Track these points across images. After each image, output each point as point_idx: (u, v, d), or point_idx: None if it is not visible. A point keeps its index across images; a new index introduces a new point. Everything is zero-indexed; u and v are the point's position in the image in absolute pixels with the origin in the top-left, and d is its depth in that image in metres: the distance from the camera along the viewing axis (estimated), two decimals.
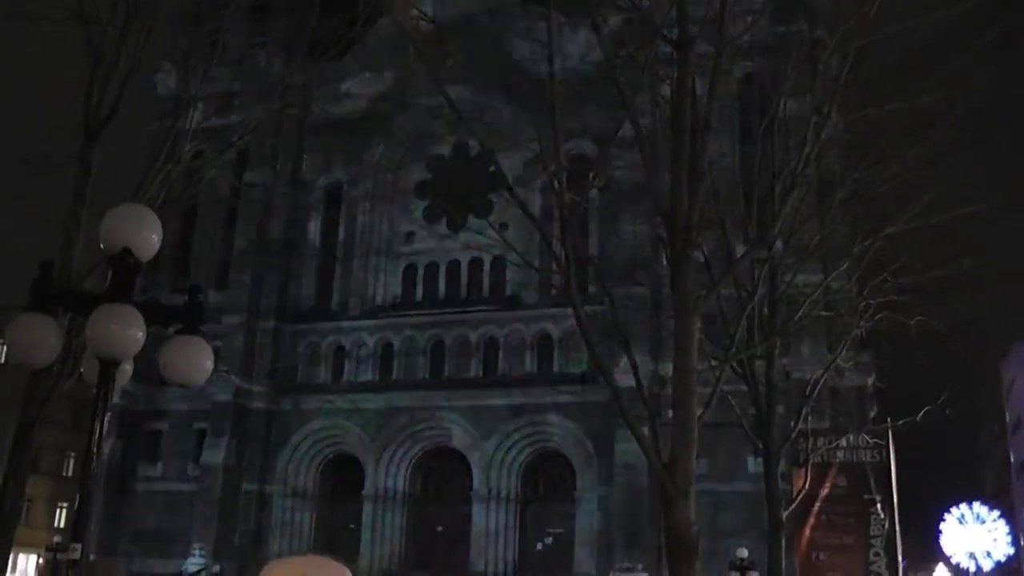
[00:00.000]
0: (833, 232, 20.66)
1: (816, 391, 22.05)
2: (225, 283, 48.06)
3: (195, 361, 7.65)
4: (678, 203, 11.84)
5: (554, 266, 38.68)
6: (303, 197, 49.27)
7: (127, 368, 7.90)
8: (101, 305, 7.07)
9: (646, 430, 11.97)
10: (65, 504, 58.72)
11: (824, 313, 22.09)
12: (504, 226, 36.85)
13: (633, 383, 13.20)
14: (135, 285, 7.37)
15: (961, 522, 62.36)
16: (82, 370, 7.82)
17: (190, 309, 7.83)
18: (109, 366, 7.24)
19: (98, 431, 7.26)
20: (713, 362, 14.94)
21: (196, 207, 47.97)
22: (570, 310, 34.48)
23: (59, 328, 7.28)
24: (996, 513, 62.64)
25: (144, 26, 14.31)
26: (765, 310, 19.97)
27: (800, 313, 20.12)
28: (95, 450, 7.32)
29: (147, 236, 7.56)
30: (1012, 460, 74.74)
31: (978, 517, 62.38)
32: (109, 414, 7.30)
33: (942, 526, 63.47)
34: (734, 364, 17.49)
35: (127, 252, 7.34)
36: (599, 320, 14.81)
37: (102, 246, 7.47)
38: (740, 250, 17.74)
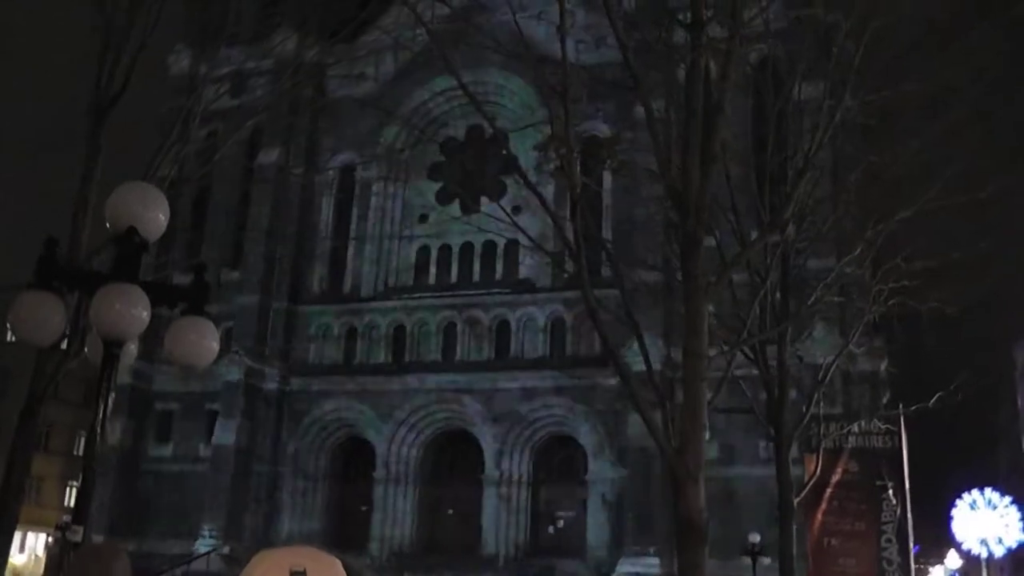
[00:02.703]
0: (847, 216, 20.49)
1: (828, 376, 21.91)
2: (238, 263, 48.13)
3: (201, 342, 7.58)
4: (689, 186, 11.74)
5: (566, 250, 38.62)
6: (316, 177, 49.22)
7: (132, 348, 7.83)
8: (105, 284, 7.01)
9: (657, 415, 11.90)
10: (75, 483, 58.89)
11: (837, 299, 21.89)
12: (517, 209, 36.76)
13: (644, 367, 13.12)
14: (141, 264, 7.31)
15: (973, 508, 62.04)
16: (86, 350, 7.76)
17: (196, 289, 7.76)
18: (113, 346, 7.18)
19: (102, 412, 7.22)
20: (724, 347, 14.82)
21: (210, 186, 48.05)
22: (582, 293, 34.47)
23: (63, 306, 7.21)
24: (1008, 499, 62.31)
25: (155, 2, 14.23)
26: (777, 295, 19.84)
27: (813, 298, 19.97)
28: (99, 431, 7.30)
29: (153, 215, 7.47)
30: None
31: (990, 503, 62.06)
32: (113, 395, 7.23)
33: (954, 512, 63.20)
34: (745, 348, 17.37)
35: (133, 231, 7.28)
36: (611, 304, 14.70)
37: (107, 225, 7.41)
38: (753, 235, 17.63)
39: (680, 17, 13.57)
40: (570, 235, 12.26)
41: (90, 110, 13.84)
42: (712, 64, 13.05)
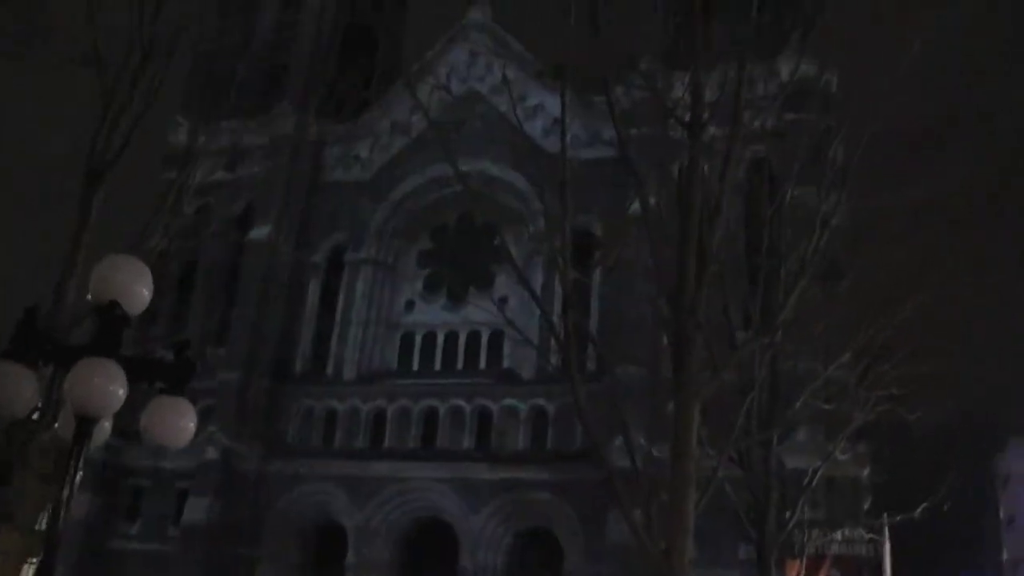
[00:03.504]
0: (836, 320, 20.47)
1: (815, 482, 21.70)
2: (224, 338, 47.77)
3: (178, 423, 7.40)
4: (684, 285, 11.67)
5: (553, 343, 38.38)
6: (306, 257, 49.20)
7: (106, 426, 7.62)
8: (83, 358, 6.83)
9: (639, 514, 11.66)
10: (34, 560, 57.40)
11: (825, 406, 21.70)
12: (504, 299, 36.73)
13: (628, 463, 12.90)
14: (121, 339, 7.15)
15: None
16: (58, 425, 7.53)
17: (178, 368, 7.59)
18: (86, 422, 6.99)
19: (69, 490, 7.01)
20: (710, 451, 14.63)
21: (197, 260, 47.99)
22: (566, 386, 34.10)
23: (36, 379, 7.03)
24: None
25: (157, 71, 14.25)
26: (765, 397, 19.70)
27: (800, 403, 19.83)
28: (64, 509, 7.07)
29: (138, 290, 7.34)
30: (1006, 556, 74.11)
31: None
32: (81, 473, 7.01)
33: None
34: (731, 451, 17.17)
35: (115, 304, 7.12)
36: (596, 399, 14.52)
37: (90, 297, 7.26)
38: (741, 334, 17.53)
39: (678, 115, 13.62)
40: (559, 329, 12.13)
41: (85, 174, 13.77)
42: (707, 165, 13.08)
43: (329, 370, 47.60)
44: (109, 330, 7.07)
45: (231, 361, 46.27)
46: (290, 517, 45.01)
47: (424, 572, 43.86)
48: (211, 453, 43.79)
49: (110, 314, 7.08)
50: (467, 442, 43.74)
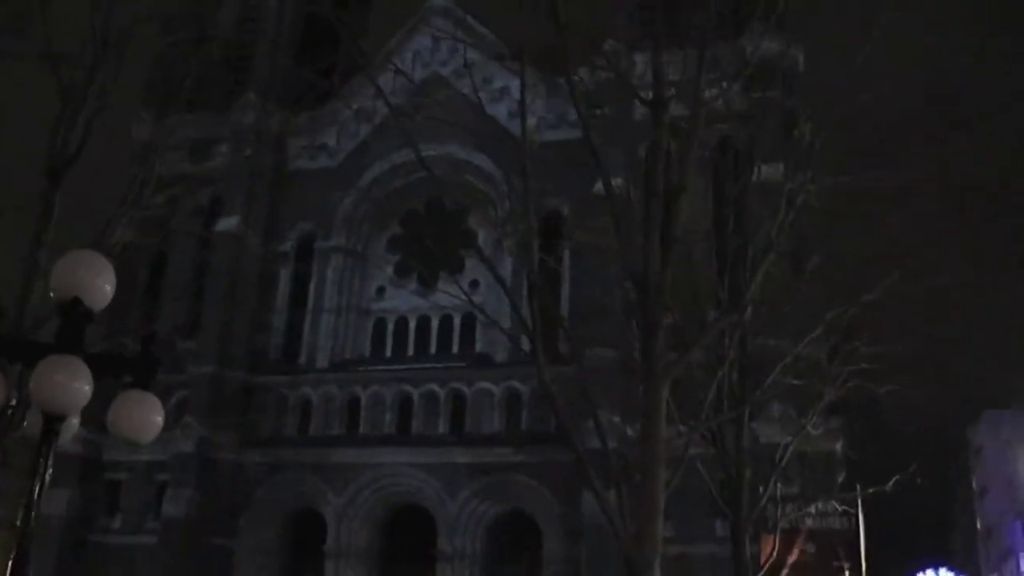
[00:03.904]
0: (806, 299, 20.57)
1: (786, 458, 21.83)
2: (195, 331, 47.60)
3: (145, 417, 7.38)
4: (650, 267, 11.68)
5: (522, 327, 38.42)
6: (274, 247, 49.06)
7: (74, 422, 7.62)
8: (47, 356, 6.82)
9: (612, 494, 11.69)
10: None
11: (795, 381, 21.78)
12: (475, 283, 36.69)
13: (599, 445, 12.93)
14: (85, 335, 7.13)
15: None
16: (26, 423, 7.52)
17: (143, 362, 7.57)
18: (53, 421, 6.98)
19: (38, 488, 7.02)
20: (682, 428, 14.69)
21: (166, 253, 47.79)
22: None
23: (4, 378, 7.03)
24: None
25: (113, 67, 14.16)
26: (735, 375, 19.79)
27: (770, 380, 19.93)
28: (35, 506, 7.07)
29: (100, 285, 7.30)
30: (979, 526, 74.96)
31: None
32: (51, 471, 7.01)
33: None
34: (702, 429, 17.25)
35: (77, 301, 7.10)
36: (569, 382, 14.54)
37: (52, 294, 7.23)
38: (712, 314, 17.59)
39: (641, 94, 13.61)
40: (527, 314, 12.13)
41: (45, 172, 13.68)
42: (673, 144, 13.08)
43: (302, 359, 47.51)
44: (72, 327, 7.05)
45: (204, 353, 46.10)
46: (268, 505, 44.99)
47: (403, 556, 43.95)
48: (187, 445, 43.67)
49: (73, 311, 7.06)
50: (442, 427, 43.81)
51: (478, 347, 44.66)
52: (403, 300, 46.95)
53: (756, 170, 18.84)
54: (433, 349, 46.35)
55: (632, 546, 10.85)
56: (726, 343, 17.98)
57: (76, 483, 44.84)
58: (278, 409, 46.37)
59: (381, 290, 48.38)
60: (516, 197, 12.58)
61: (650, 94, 13.21)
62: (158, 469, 44.94)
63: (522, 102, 13.19)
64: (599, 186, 34.81)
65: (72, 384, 6.74)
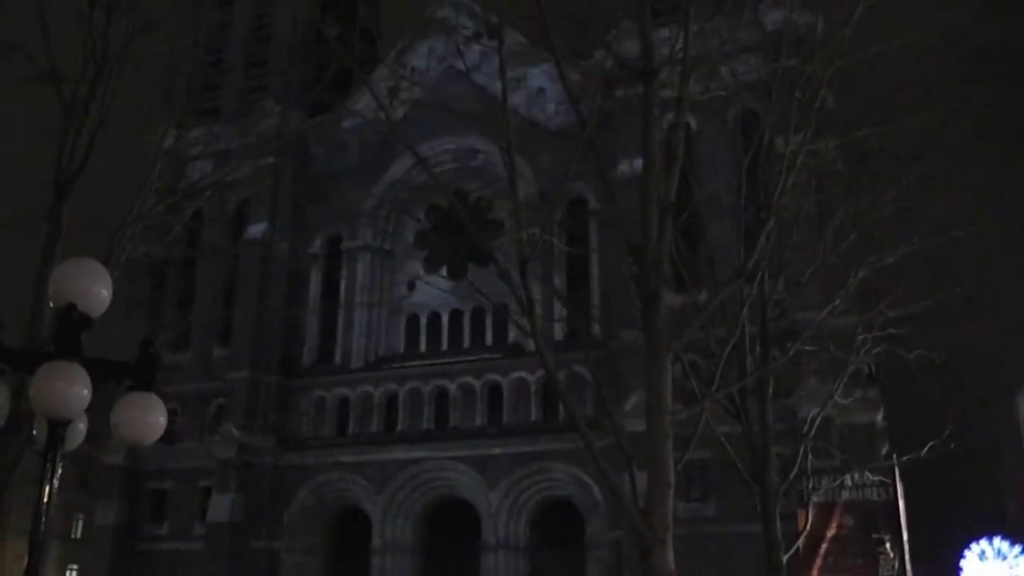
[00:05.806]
0: (829, 265, 20.29)
1: (813, 429, 21.59)
2: (228, 338, 47.99)
3: (147, 419, 7.39)
4: (648, 238, 11.56)
5: (556, 313, 38.17)
6: (303, 250, 49.31)
7: (81, 427, 7.67)
8: (45, 363, 6.88)
9: (624, 476, 11.58)
10: (75, 567, 57.95)
11: (809, 348, 21.39)
12: (506, 273, 36.50)
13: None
14: (82, 340, 7.18)
15: (982, 559, 61.08)
16: (34, 432, 7.58)
17: (142, 364, 7.60)
18: (56, 426, 7.03)
19: (48, 494, 7.06)
20: (703, 404, 14.54)
21: (195, 262, 48.21)
22: (574, 355, 33.92)
23: (6, 389, 7.10)
24: (1018, 548, 61.34)
25: (112, 83, 14.22)
26: (758, 348, 19.60)
27: (793, 350, 19.68)
28: (45, 512, 7.12)
29: (96, 291, 7.35)
30: None
31: (999, 553, 61.11)
32: (58, 474, 7.06)
33: (962, 563, 62.21)
34: (726, 404, 17.13)
35: (72, 307, 7.15)
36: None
37: (50, 303, 7.31)
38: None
39: (632, 65, 13.46)
40: (523, 299, 12.00)
41: (53, 188, 13.78)
42: (691, 117, 12.98)
43: (337, 359, 47.76)
44: (69, 333, 7.10)
45: (238, 360, 46.52)
46: (311, 506, 45.40)
47: (447, 550, 44.11)
48: (228, 451, 44.12)
49: (69, 317, 7.11)
50: (480, 419, 43.87)
51: (511, 337, 44.61)
52: (434, 295, 47.00)
53: (766, 138, 18.49)
54: (467, 342, 46.36)
55: (643, 524, 10.75)
56: (743, 314, 17.68)
57: (123, 494, 45.53)
58: (316, 411, 46.67)
59: (411, 285, 48.43)
60: (538, 182, 12.49)
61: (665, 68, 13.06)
62: (201, 476, 45.45)
63: (502, 71, 13.01)
64: (620, 168, 34.91)
65: (70, 389, 6.80)
